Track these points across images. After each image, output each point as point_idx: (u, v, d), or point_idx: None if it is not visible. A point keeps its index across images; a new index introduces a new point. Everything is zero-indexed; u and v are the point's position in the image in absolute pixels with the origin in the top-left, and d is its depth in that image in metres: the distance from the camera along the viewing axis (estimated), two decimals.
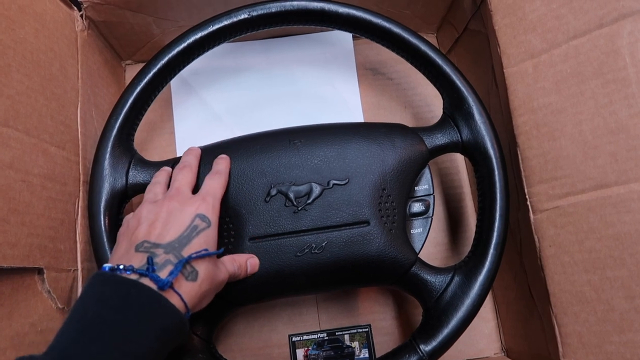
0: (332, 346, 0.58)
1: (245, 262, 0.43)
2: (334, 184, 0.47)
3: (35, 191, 0.41)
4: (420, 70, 0.52)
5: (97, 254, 0.46)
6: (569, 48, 0.44)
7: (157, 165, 0.49)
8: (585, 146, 0.43)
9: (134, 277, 0.33)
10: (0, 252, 0.36)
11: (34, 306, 0.40)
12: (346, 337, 0.58)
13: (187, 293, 0.35)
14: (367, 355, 0.58)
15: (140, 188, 0.49)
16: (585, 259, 0.42)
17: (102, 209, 0.47)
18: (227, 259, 0.42)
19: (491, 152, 0.47)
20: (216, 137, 0.51)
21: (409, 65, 0.52)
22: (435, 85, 0.52)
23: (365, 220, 0.46)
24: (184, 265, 0.35)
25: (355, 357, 0.58)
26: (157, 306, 0.32)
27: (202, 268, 0.36)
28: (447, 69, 0.49)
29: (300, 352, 0.58)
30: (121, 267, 0.34)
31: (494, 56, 0.51)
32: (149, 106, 0.51)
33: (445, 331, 0.44)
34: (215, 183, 0.43)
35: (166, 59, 0.49)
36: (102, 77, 0.58)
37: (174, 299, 0.33)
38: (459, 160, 0.65)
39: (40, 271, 0.41)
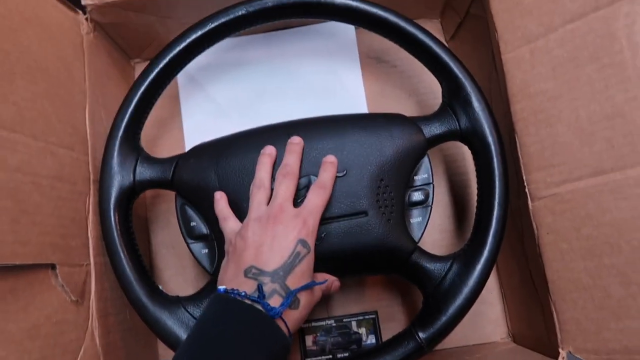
0: (339, 332, 0.59)
1: (332, 282, 0.45)
2: None
3: (45, 192, 0.43)
4: (417, 58, 0.52)
5: (109, 248, 0.48)
6: (565, 32, 0.43)
7: (162, 162, 0.51)
8: (582, 132, 0.42)
9: (247, 302, 0.37)
10: (12, 251, 0.38)
11: (49, 299, 0.42)
12: (353, 323, 0.60)
13: (291, 321, 0.38)
14: (374, 341, 0.59)
15: (147, 184, 0.51)
16: (583, 246, 0.42)
17: (112, 206, 0.49)
18: (320, 278, 0.43)
19: (489, 139, 0.47)
20: (224, 132, 0.52)
21: None
22: (433, 72, 0.51)
23: (363, 211, 0.47)
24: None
25: (362, 343, 0.59)
26: (270, 332, 0.36)
27: (303, 297, 0.39)
28: (444, 55, 0.49)
29: (309, 338, 0.60)
30: (235, 291, 0.37)
31: (492, 42, 0.50)
32: (153, 104, 0.53)
33: (443, 319, 0.45)
34: (319, 200, 0.43)
35: (167, 58, 0.51)
36: (110, 77, 0.60)
37: (280, 325, 0.37)
38: (464, 147, 0.63)
39: (53, 267, 0.43)
